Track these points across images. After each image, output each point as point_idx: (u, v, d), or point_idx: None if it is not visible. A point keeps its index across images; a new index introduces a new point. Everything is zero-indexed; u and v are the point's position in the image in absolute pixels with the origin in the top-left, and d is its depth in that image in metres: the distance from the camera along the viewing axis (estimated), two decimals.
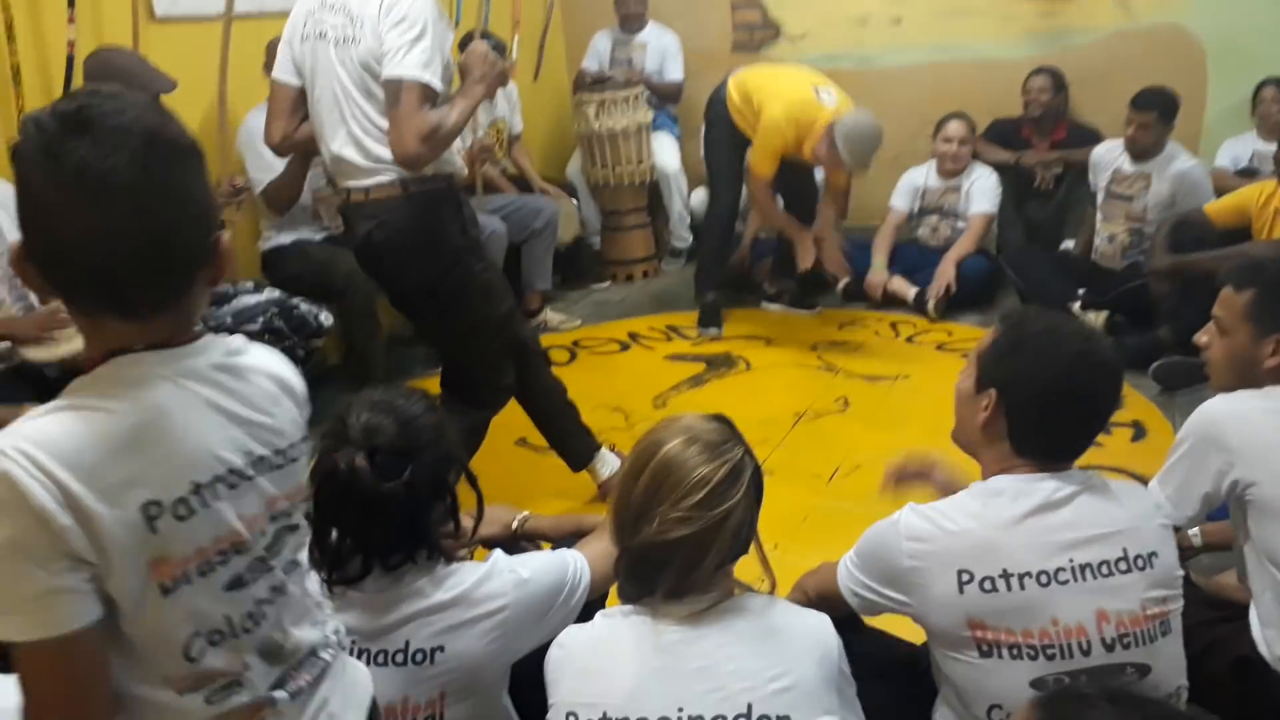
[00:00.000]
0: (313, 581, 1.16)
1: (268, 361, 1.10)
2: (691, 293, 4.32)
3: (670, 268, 5.07)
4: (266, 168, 3.27)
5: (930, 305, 4.03)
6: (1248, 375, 1.72)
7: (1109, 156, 3.88)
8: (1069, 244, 4.19)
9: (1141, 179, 3.76)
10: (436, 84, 2.16)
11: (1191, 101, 4.42)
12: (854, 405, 3.24)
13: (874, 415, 3.17)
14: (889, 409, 3.14)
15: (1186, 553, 1.79)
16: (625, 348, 4.05)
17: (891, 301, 4.20)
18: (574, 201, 4.75)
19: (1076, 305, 3.75)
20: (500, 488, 2.69)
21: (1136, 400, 3.12)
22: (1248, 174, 3.92)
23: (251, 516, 1.02)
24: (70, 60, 2.91)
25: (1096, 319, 3.65)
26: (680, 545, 1.25)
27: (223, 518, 0.99)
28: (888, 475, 1.80)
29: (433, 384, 3.68)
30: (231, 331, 1.37)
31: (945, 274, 4.04)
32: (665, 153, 4.92)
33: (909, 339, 3.80)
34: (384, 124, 2.20)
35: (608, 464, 2.74)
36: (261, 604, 1.04)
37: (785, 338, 3.94)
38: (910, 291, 4.13)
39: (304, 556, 1.14)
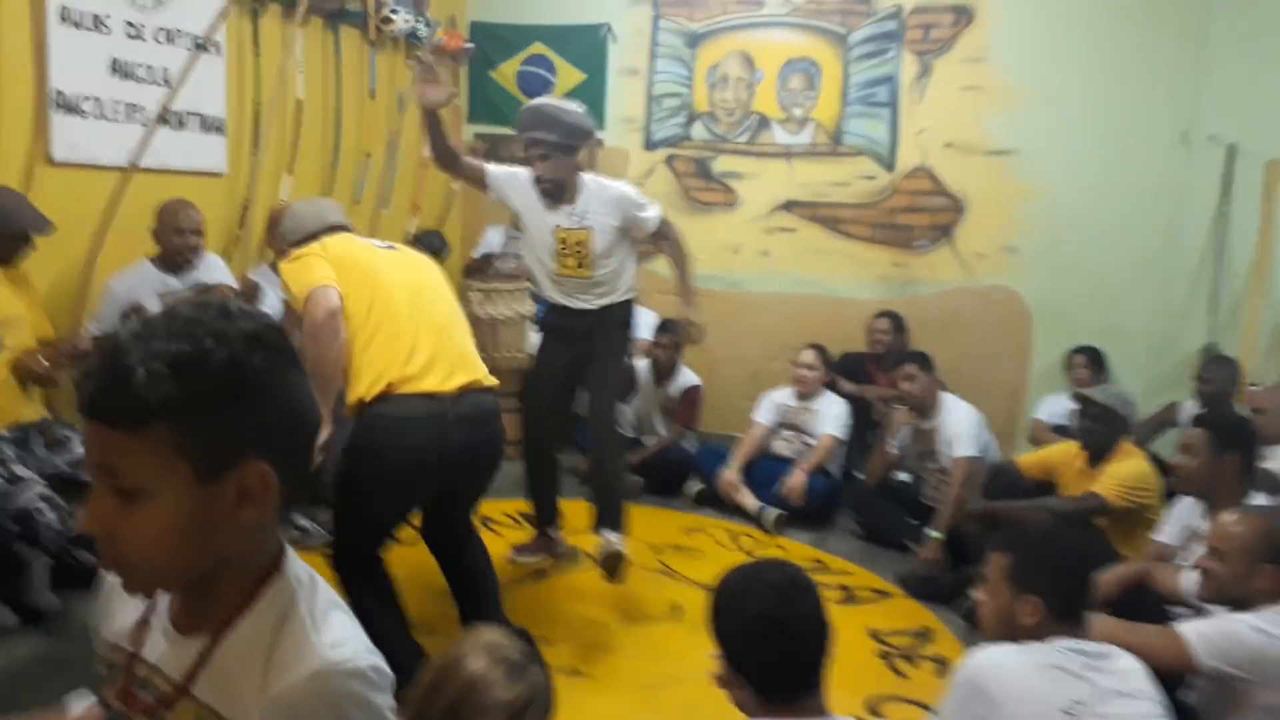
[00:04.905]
0: None
1: None
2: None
3: None
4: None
5: (770, 520, 4.23)
6: (1011, 630, 1.90)
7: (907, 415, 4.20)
8: (904, 476, 4.48)
9: (933, 431, 4.09)
10: None
11: (1020, 357, 4.93)
12: (687, 613, 3.33)
13: (704, 625, 3.25)
14: None
15: None
16: None
17: (738, 510, 4.38)
18: None
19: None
20: None
21: (945, 636, 3.31)
22: (1061, 430, 4.32)
23: None
24: None
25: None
26: None
27: None
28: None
29: None
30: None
31: (798, 478, 4.29)
32: None
33: (746, 551, 3.95)
34: None
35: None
36: None
37: (632, 537, 4.03)
38: (753, 504, 4.33)
39: None
